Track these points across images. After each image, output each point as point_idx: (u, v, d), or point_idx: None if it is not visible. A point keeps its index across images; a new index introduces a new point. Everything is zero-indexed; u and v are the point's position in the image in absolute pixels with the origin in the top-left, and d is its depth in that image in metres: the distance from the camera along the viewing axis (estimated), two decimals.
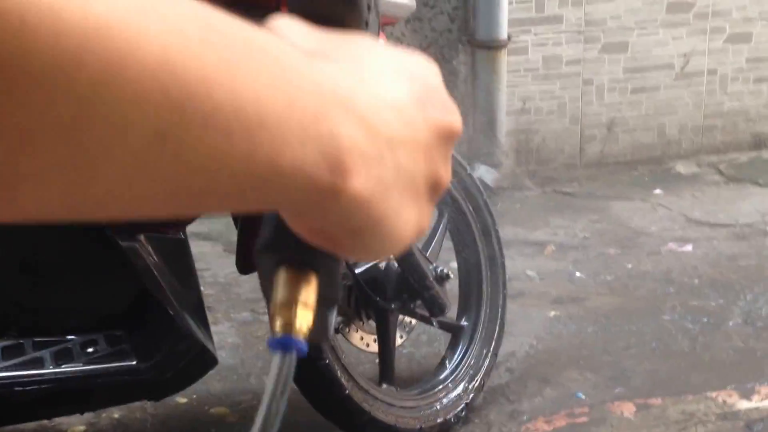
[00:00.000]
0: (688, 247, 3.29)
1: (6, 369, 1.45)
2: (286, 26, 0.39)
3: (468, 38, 4.02)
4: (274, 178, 0.33)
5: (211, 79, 0.30)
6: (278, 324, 0.41)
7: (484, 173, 4.05)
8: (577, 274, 3.04)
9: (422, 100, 0.39)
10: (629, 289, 2.90)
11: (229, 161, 0.31)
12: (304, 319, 0.41)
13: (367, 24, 0.43)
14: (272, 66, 0.32)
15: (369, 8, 0.44)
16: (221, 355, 2.42)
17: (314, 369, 1.69)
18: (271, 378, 0.40)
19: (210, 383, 2.21)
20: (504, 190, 4.15)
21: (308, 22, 0.40)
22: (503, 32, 3.93)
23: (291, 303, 0.41)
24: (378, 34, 0.46)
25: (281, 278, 0.42)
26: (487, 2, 3.87)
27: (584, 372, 2.29)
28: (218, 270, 2.96)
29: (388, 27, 1.70)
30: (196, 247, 3.19)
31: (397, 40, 3.97)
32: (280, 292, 0.41)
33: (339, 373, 1.70)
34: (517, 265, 3.12)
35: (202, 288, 2.92)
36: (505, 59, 4.01)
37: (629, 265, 3.12)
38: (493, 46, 3.93)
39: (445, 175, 0.41)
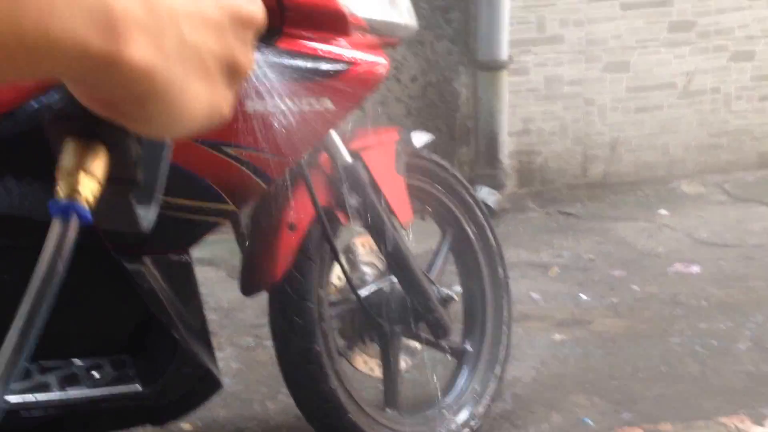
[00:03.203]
0: (695, 269, 3.31)
1: (12, 394, 1.48)
2: None
3: (469, 59, 4.08)
4: (45, 44, 0.36)
5: None
6: (62, 190, 0.43)
7: (486, 195, 4.09)
8: (583, 296, 3.07)
9: None
10: (636, 312, 2.92)
11: None
12: (88, 188, 0.43)
13: None
14: None
15: None
16: (225, 381, 2.45)
17: (318, 394, 1.71)
18: (50, 242, 0.42)
19: (213, 409, 2.23)
20: (507, 212, 4.18)
21: None
22: (504, 53, 3.98)
23: (75, 171, 0.43)
24: None
25: (67, 147, 0.44)
26: (488, 23, 3.93)
27: (591, 397, 2.30)
28: (221, 295, 2.98)
29: (389, 48, 1.75)
30: (200, 273, 3.20)
31: (398, 63, 4.02)
32: (65, 159, 0.44)
33: (343, 398, 1.72)
34: (521, 287, 3.15)
35: (206, 313, 2.96)
36: (506, 80, 4.06)
37: (635, 287, 3.14)
38: (494, 67, 3.98)
39: (244, 60, 0.45)
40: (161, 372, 1.53)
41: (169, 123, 0.43)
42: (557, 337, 2.71)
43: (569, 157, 4.40)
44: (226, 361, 2.57)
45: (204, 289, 2.86)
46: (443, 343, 1.94)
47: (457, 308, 2.14)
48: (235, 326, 2.84)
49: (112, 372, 1.55)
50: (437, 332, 1.86)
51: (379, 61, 1.51)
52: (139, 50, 0.39)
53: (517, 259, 3.50)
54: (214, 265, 3.17)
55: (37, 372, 1.51)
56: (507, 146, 4.17)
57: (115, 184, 0.46)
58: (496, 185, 4.13)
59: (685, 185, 4.37)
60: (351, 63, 1.46)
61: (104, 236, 1.42)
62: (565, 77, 4.26)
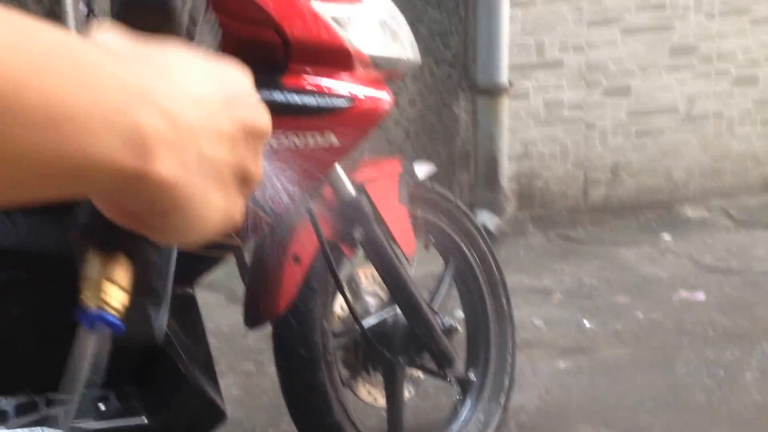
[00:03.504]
0: (701, 295, 3.33)
1: (20, 426, 1.51)
2: (108, 34, 0.47)
3: (469, 84, 4.13)
4: (85, 165, 0.39)
5: (19, 80, 0.36)
6: (89, 300, 0.46)
7: (486, 219, 4.13)
8: (586, 323, 3.10)
9: (229, 100, 0.46)
10: (641, 340, 2.94)
11: (40, 152, 0.37)
12: (116, 298, 0.46)
13: (191, 37, 0.51)
14: (79, 66, 0.39)
15: (194, 23, 0.52)
16: (228, 408, 2.48)
17: (323, 425, 1.75)
18: (82, 351, 0.45)
19: None
20: (507, 236, 4.22)
21: (132, 32, 0.47)
22: (504, 78, 4.04)
23: (101, 281, 0.46)
24: (213, 46, 0.55)
25: (92, 258, 0.47)
26: (488, 48, 3.99)
27: (598, 427, 2.33)
28: (221, 320, 3.01)
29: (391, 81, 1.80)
30: (199, 297, 3.25)
31: (397, 87, 4.07)
32: (89, 270, 0.47)
33: (347, 428, 1.75)
34: (523, 313, 3.18)
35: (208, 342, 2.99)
36: (506, 104, 4.12)
37: (640, 314, 3.17)
38: (494, 92, 4.03)
39: (255, 169, 0.48)
40: (167, 404, 1.57)
41: (188, 232, 0.46)
42: (561, 364, 2.74)
43: (570, 181, 4.45)
44: (226, 387, 2.59)
45: (203, 314, 2.90)
46: (447, 372, 1.97)
47: (460, 337, 2.18)
48: (236, 352, 2.87)
49: (118, 404, 1.58)
50: (441, 362, 1.89)
51: (383, 97, 1.55)
52: (165, 166, 0.42)
53: (518, 284, 3.53)
54: (214, 289, 3.20)
55: (44, 405, 1.55)
56: (507, 170, 4.22)
57: (136, 292, 0.49)
58: (497, 209, 4.18)
59: (688, 210, 4.41)
60: (355, 98, 1.50)
61: None
62: (565, 101, 4.31)
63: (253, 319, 1.73)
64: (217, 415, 1.63)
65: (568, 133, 4.38)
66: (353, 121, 1.51)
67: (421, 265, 2.60)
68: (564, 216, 4.44)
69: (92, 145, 0.39)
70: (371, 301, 1.93)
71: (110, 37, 0.46)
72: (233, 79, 0.49)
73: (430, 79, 4.12)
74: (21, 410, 1.53)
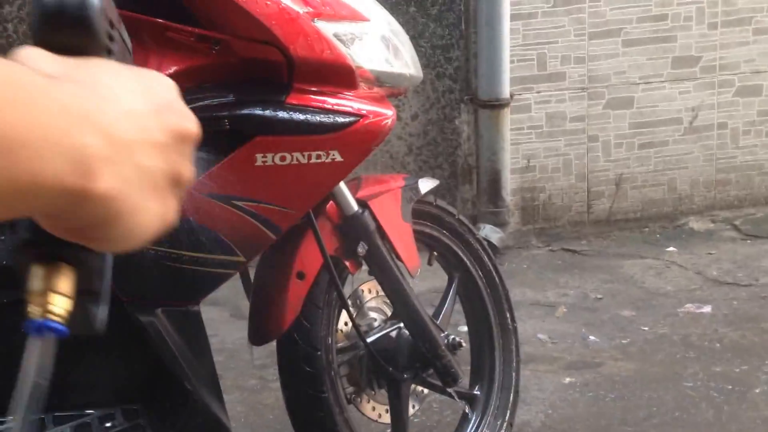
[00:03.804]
0: (707, 309, 3.33)
1: None
2: (33, 56, 0.49)
3: (470, 98, 4.17)
4: (34, 188, 0.42)
5: None
6: (35, 311, 0.49)
7: (489, 233, 4.16)
8: (591, 337, 3.12)
9: (157, 109, 0.49)
10: (647, 354, 2.95)
11: None
12: (59, 305, 0.49)
13: (110, 52, 0.53)
14: (25, 93, 0.42)
15: (111, 39, 0.54)
16: (234, 427, 2.50)
17: None
18: (30, 359, 0.48)
19: None
20: (511, 250, 4.25)
21: (53, 52, 0.50)
22: (505, 91, 4.08)
23: (46, 291, 0.49)
24: (128, 60, 0.57)
25: (35, 271, 0.50)
26: (489, 62, 4.03)
27: None
28: (226, 336, 3.04)
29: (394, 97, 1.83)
30: (204, 313, 3.27)
31: (399, 101, 4.11)
32: (34, 283, 0.50)
33: None
34: (527, 327, 3.21)
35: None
36: (508, 117, 4.15)
37: (645, 328, 3.19)
38: (496, 105, 4.07)
39: (186, 172, 0.51)
40: (172, 423, 1.59)
41: (127, 239, 0.49)
42: (566, 380, 2.76)
43: (573, 194, 4.48)
44: (231, 404, 2.62)
45: (208, 330, 2.92)
46: (452, 388, 1.99)
47: (465, 353, 2.20)
48: (240, 368, 2.89)
49: (124, 422, 1.60)
50: (446, 378, 1.92)
51: (386, 113, 1.58)
52: (105, 182, 0.45)
53: (522, 298, 3.56)
54: (218, 305, 3.23)
55: (51, 423, 1.57)
56: (510, 183, 4.25)
57: (79, 295, 0.52)
58: (500, 223, 4.21)
59: (693, 222, 4.43)
60: (359, 116, 1.54)
61: (117, 290, 1.49)
62: (567, 114, 4.35)
63: (257, 335, 1.76)
64: None
65: (570, 146, 4.41)
66: (357, 139, 1.54)
67: (427, 281, 2.64)
68: (568, 229, 4.47)
69: (42, 169, 0.42)
70: (375, 316, 1.96)
71: (37, 60, 0.48)
72: (160, 87, 0.51)
73: (432, 93, 4.16)
74: (29, 429, 1.55)
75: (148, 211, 0.48)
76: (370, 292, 1.95)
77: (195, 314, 1.58)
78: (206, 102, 1.47)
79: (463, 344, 1.96)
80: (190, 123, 0.52)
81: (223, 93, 1.47)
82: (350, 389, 1.92)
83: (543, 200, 4.44)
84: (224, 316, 3.20)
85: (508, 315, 2.18)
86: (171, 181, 0.50)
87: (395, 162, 4.16)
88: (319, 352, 1.75)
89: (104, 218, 0.46)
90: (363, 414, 1.96)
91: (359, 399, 1.94)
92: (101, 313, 0.57)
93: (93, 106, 0.45)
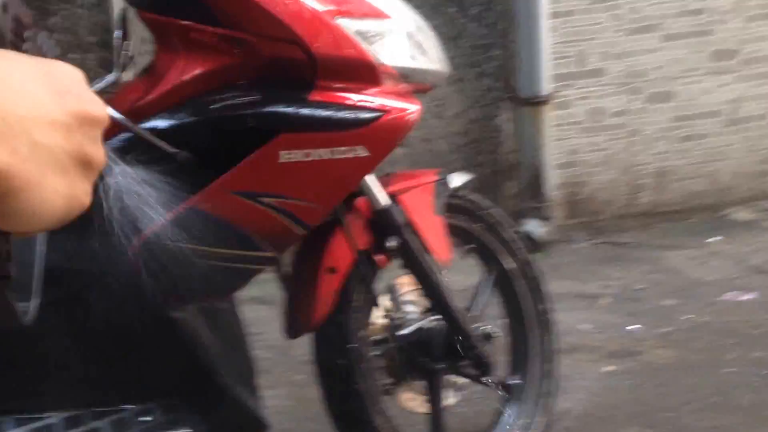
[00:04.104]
0: (749, 296, 3.23)
1: None
2: None
3: (511, 96, 4.08)
4: None
5: None
6: None
7: (533, 228, 4.07)
8: (633, 326, 3.02)
9: (59, 92, 0.48)
10: (687, 342, 2.85)
11: None
12: None
13: (17, 49, 0.53)
14: None
15: (20, 37, 0.54)
16: (277, 418, 2.46)
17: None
18: None
19: None
20: (555, 244, 4.15)
21: None
22: (545, 88, 3.98)
23: None
24: (40, 55, 0.55)
25: None
26: (528, 60, 3.93)
27: (643, 429, 2.26)
28: (274, 333, 2.99)
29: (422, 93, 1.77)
30: (253, 311, 3.24)
31: (440, 100, 4.04)
32: None
33: None
34: (570, 319, 3.12)
35: (259, 351, 2.98)
36: (548, 114, 4.06)
37: (687, 317, 3.09)
38: (536, 102, 3.98)
39: (95, 153, 0.50)
40: (207, 417, 1.55)
41: (30, 217, 0.47)
42: (607, 368, 2.67)
43: (616, 188, 4.36)
44: (279, 398, 2.59)
45: (257, 328, 2.89)
46: (488, 378, 1.93)
47: (503, 343, 2.13)
48: (288, 364, 2.85)
49: (162, 417, 1.57)
50: (480, 369, 1.85)
51: (410, 108, 1.52)
52: None
53: (565, 291, 3.46)
54: (266, 303, 3.19)
55: (89, 418, 1.55)
56: (552, 179, 4.15)
57: None
58: (543, 218, 4.11)
59: (735, 212, 4.29)
60: (382, 111, 1.48)
61: (150, 287, 1.46)
62: (608, 109, 4.24)
63: (292, 329, 1.71)
64: (259, 426, 1.62)
65: (612, 141, 4.30)
66: (382, 134, 1.48)
67: (468, 274, 2.57)
68: (611, 222, 4.36)
69: None
70: (412, 309, 1.90)
71: None
72: (62, 74, 0.50)
73: (473, 92, 4.08)
74: (69, 424, 1.53)
75: (50, 188, 0.47)
76: (406, 285, 1.89)
77: (228, 310, 1.54)
78: (231, 101, 1.43)
79: (496, 335, 1.88)
80: (95, 107, 0.51)
81: (248, 92, 1.43)
82: (387, 381, 1.86)
83: (586, 195, 4.34)
84: (272, 314, 3.15)
85: (544, 305, 2.11)
86: (78, 162, 0.49)
87: (438, 160, 4.09)
88: (352, 345, 1.70)
89: (2, 193, 0.45)
90: (401, 405, 1.90)
91: (397, 390, 1.89)
92: (31, 306, 0.53)
93: None
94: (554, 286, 3.51)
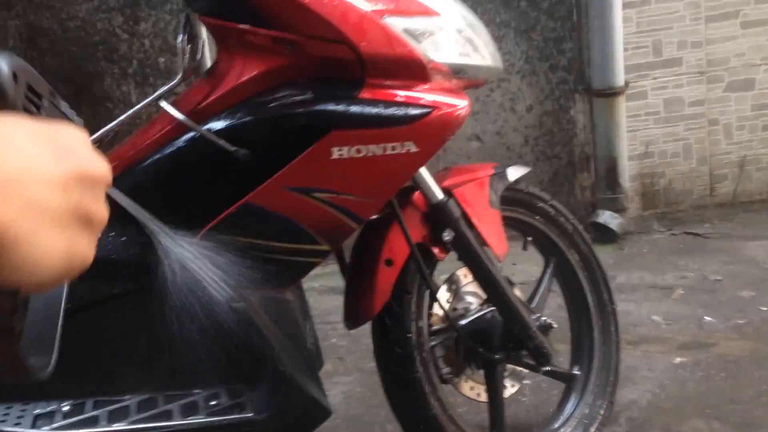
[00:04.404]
0: None
1: (139, 421, 1.58)
2: None
3: (585, 87, 4.03)
4: None
5: None
6: None
7: (608, 219, 4.02)
8: (707, 318, 2.96)
9: (58, 152, 0.49)
10: (762, 334, 2.77)
11: None
12: None
13: (30, 113, 0.54)
14: None
15: (33, 103, 0.55)
16: (348, 404, 2.51)
17: (419, 419, 1.74)
18: None
19: (336, 431, 2.31)
20: (631, 235, 4.09)
21: None
22: (620, 79, 3.92)
23: None
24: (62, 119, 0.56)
25: None
26: (601, 51, 3.88)
27: (710, 421, 2.21)
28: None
29: (475, 89, 1.78)
30: (331, 301, 3.31)
31: (514, 94, 4.02)
32: None
33: (444, 423, 1.74)
34: (642, 310, 3.07)
35: (334, 339, 3.04)
36: (623, 105, 3.99)
37: (763, 308, 3.00)
38: (610, 93, 3.92)
39: (96, 210, 0.51)
40: (269, 401, 1.60)
41: (25, 271, 0.47)
42: (677, 360, 2.62)
43: (695, 178, 4.26)
44: (351, 385, 2.64)
45: (334, 317, 2.94)
46: (549, 368, 1.92)
47: (566, 334, 2.13)
48: (362, 351, 2.90)
49: (228, 401, 1.63)
50: (538, 359, 1.85)
51: (459, 104, 1.53)
52: None
53: (640, 282, 3.41)
54: (342, 293, 3.25)
55: (162, 401, 1.62)
56: (628, 170, 4.08)
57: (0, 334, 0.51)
58: (618, 209, 4.05)
59: None
60: (431, 107, 1.49)
61: (211, 280, 1.51)
62: (685, 99, 4.14)
63: (351, 319, 1.75)
64: (319, 412, 1.65)
65: (690, 130, 4.20)
66: (431, 129, 1.50)
67: (534, 267, 2.56)
68: (690, 213, 4.26)
69: None
70: (472, 300, 1.91)
71: None
72: (65, 136, 0.51)
73: (546, 85, 4.04)
74: (142, 407, 1.60)
75: (46, 244, 0.48)
76: (466, 276, 1.90)
77: (285, 300, 1.59)
78: (285, 100, 1.47)
79: (554, 325, 1.88)
80: (96, 167, 0.52)
81: (300, 91, 1.47)
82: (447, 370, 1.88)
83: (663, 185, 4.25)
84: None
85: (606, 295, 2.09)
86: (77, 219, 0.50)
87: (512, 153, 4.07)
88: (409, 335, 1.73)
89: None
90: (461, 394, 1.92)
91: (458, 379, 1.90)
92: (48, 360, 0.55)
93: None
94: (628, 277, 3.47)
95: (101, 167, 0.52)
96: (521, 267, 3.05)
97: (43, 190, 0.48)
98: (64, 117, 0.60)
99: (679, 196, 4.26)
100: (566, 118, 4.08)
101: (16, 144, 0.48)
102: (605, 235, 4.01)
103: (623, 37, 3.92)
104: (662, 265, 3.62)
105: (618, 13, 3.85)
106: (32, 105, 0.55)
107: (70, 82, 3.74)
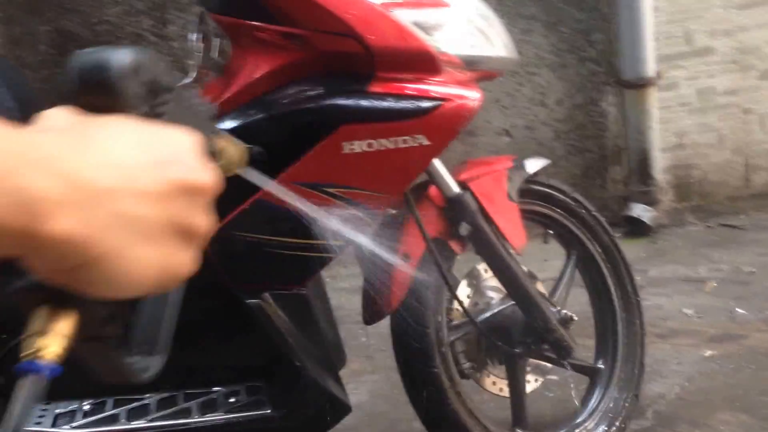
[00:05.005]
0: None
1: (158, 419, 1.59)
2: (52, 113, 0.48)
3: (615, 79, 3.98)
4: None
5: None
6: (26, 352, 0.46)
7: (641, 212, 3.96)
8: (739, 310, 2.90)
9: (159, 162, 0.47)
10: None
11: None
12: (53, 346, 0.46)
13: (154, 111, 0.52)
14: None
15: (163, 103, 0.53)
16: (374, 401, 2.50)
17: (439, 414, 1.73)
18: (18, 397, 0.44)
19: (361, 429, 2.30)
20: (665, 228, 4.03)
21: (81, 111, 0.48)
22: (650, 70, 3.86)
23: (41, 333, 0.46)
24: (190, 121, 0.55)
25: (37, 314, 0.47)
26: (631, 41, 3.82)
27: (738, 414, 2.17)
28: (381, 322, 3.04)
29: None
30: (360, 301, 3.30)
31: (543, 87, 3.98)
32: (33, 324, 0.47)
33: (464, 418, 1.73)
34: (673, 303, 3.03)
35: (363, 338, 3.03)
36: (655, 96, 3.93)
37: None
38: (641, 85, 3.87)
39: (198, 223, 0.48)
40: (288, 398, 1.60)
41: (115, 286, 0.45)
42: (707, 352, 2.57)
43: (729, 169, 4.18)
44: (379, 383, 2.64)
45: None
46: (571, 362, 1.90)
47: (590, 327, 2.10)
48: (391, 350, 2.88)
49: (247, 398, 1.63)
50: (559, 353, 1.83)
51: (471, 96, 1.51)
52: (61, 223, 0.42)
53: (672, 275, 3.36)
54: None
55: (181, 399, 1.63)
56: (660, 162, 4.02)
57: (95, 342, 0.50)
58: (651, 201, 3.99)
59: None
60: (442, 100, 1.48)
61: (228, 279, 1.52)
62: (718, 88, 4.07)
63: (369, 315, 1.74)
64: (338, 408, 1.65)
65: (723, 120, 4.12)
66: (442, 122, 1.48)
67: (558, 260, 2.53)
68: (725, 204, 4.19)
69: None
70: (493, 295, 1.89)
71: (52, 117, 0.48)
72: (171, 142, 0.49)
73: (576, 77, 4.00)
74: (161, 405, 1.61)
75: (139, 258, 0.45)
76: (487, 271, 1.89)
77: (302, 296, 1.58)
78: (295, 96, 1.46)
79: (575, 318, 1.85)
80: (201, 177, 0.49)
81: (310, 86, 1.46)
82: (468, 365, 1.86)
83: (698, 177, 4.18)
84: None
85: (630, 289, 2.05)
86: (175, 231, 0.47)
87: (542, 148, 4.03)
88: (428, 330, 1.71)
89: (76, 260, 0.43)
90: (483, 388, 1.90)
91: (479, 374, 1.88)
92: (153, 362, 0.55)
93: (58, 154, 0.43)
94: (661, 270, 3.42)
95: (206, 177, 0.49)
96: (553, 263, 3.01)
97: (136, 203, 0.45)
98: (192, 113, 0.57)
99: (713, 187, 4.19)
100: (597, 111, 4.03)
101: (112, 153, 0.45)
102: (638, 228, 3.96)
103: (653, 26, 3.86)
104: (695, 257, 3.56)
105: (647, 3, 3.80)
106: (155, 103, 0.53)
107: None
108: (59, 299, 0.47)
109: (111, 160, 0.45)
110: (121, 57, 0.50)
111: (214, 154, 0.64)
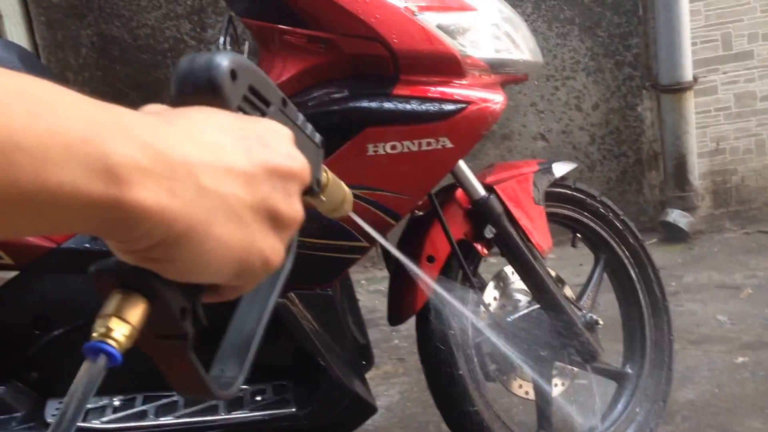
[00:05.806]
0: None
1: (186, 416, 1.62)
2: (150, 107, 0.47)
3: (652, 83, 3.95)
4: (45, 196, 0.37)
5: None
6: (95, 332, 0.44)
7: (678, 217, 3.92)
8: None
9: (252, 145, 0.46)
10: None
11: None
12: (120, 331, 0.44)
13: (243, 111, 0.51)
14: (31, 101, 0.37)
15: (252, 105, 0.52)
16: (404, 404, 2.52)
17: (463, 416, 1.74)
18: (80, 378, 0.43)
19: (391, 430, 2.32)
20: (702, 234, 3.98)
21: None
22: (688, 74, 3.83)
23: (110, 316, 0.45)
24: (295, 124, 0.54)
25: (111, 297, 0.45)
26: (669, 46, 3.79)
27: (767, 421, 2.15)
28: (411, 323, 3.06)
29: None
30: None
31: (579, 92, 3.97)
32: (105, 307, 0.45)
33: (488, 420, 1.73)
34: (708, 309, 2.99)
35: (396, 341, 3.04)
36: (692, 101, 3.89)
37: None
38: (678, 89, 3.83)
39: (287, 209, 0.46)
40: (313, 397, 1.62)
41: (198, 266, 0.43)
42: (739, 359, 2.54)
43: None
44: (409, 385, 2.65)
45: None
46: (598, 366, 1.89)
47: (618, 332, 2.09)
48: None
49: (273, 396, 1.66)
50: (585, 356, 1.82)
51: (494, 99, 1.52)
52: (146, 193, 0.40)
53: (708, 281, 3.33)
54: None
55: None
56: (697, 167, 3.98)
57: (165, 340, 0.48)
58: (688, 207, 3.95)
59: None
60: (465, 103, 1.49)
61: None
62: (757, 93, 4.01)
63: (394, 316, 1.75)
64: (364, 408, 1.67)
65: (762, 126, 4.07)
66: (466, 125, 1.50)
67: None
68: (763, 211, 4.13)
69: (48, 173, 0.37)
70: (520, 296, 1.90)
71: (150, 109, 0.47)
72: (265, 129, 0.48)
73: (612, 81, 3.97)
74: (189, 402, 1.64)
75: (223, 238, 0.43)
76: (514, 273, 1.89)
77: (327, 297, 1.60)
78: (321, 98, 1.49)
79: (600, 322, 1.85)
80: (291, 162, 0.47)
81: (336, 89, 1.48)
82: (494, 367, 1.87)
83: (736, 183, 4.13)
84: None
85: (658, 293, 2.04)
86: (261, 215, 0.45)
87: (578, 152, 4.02)
88: (452, 332, 1.72)
89: (159, 236, 0.41)
90: (510, 391, 1.90)
91: (506, 376, 1.89)
92: (228, 378, 0.53)
93: (146, 126, 0.41)
94: (696, 277, 3.39)
95: (297, 164, 0.48)
96: (587, 267, 3.00)
97: (225, 180, 0.43)
98: (296, 131, 0.55)
99: (752, 193, 4.13)
100: (633, 116, 4.00)
101: (202, 131, 0.44)
102: (675, 234, 3.92)
103: (691, 30, 3.82)
104: (732, 264, 3.52)
105: (685, 6, 3.76)
106: (253, 108, 0.52)
107: (140, 89, 3.85)
108: (134, 285, 0.45)
109: (200, 137, 0.43)
110: (221, 59, 0.49)
111: (318, 184, 0.62)
